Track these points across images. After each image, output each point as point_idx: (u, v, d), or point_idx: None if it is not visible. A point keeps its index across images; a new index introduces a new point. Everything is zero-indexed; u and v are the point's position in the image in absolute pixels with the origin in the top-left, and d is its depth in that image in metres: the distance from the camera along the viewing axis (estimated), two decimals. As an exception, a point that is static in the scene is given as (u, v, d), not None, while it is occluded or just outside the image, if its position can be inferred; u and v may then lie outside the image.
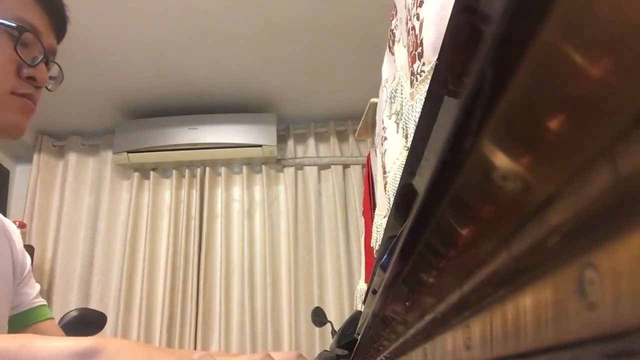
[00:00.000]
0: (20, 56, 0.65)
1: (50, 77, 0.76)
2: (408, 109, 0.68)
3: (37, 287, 0.84)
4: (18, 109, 0.67)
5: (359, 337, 0.88)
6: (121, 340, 0.41)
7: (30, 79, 0.67)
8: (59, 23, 0.73)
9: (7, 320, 0.74)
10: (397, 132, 0.77)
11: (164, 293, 2.34)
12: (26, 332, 0.76)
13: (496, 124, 0.18)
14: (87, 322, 1.32)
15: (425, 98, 0.30)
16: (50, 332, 0.79)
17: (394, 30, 0.84)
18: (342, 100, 2.47)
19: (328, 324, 1.57)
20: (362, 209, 1.87)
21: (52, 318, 0.83)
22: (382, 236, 0.71)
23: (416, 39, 0.61)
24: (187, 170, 2.55)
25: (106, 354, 0.37)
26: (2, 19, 0.64)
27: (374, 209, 1.21)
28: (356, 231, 2.42)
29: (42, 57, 0.68)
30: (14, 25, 0.64)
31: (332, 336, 1.43)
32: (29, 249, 2.31)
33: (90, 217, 2.51)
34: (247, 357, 0.40)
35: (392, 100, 0.80)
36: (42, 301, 0.82)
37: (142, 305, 2.31)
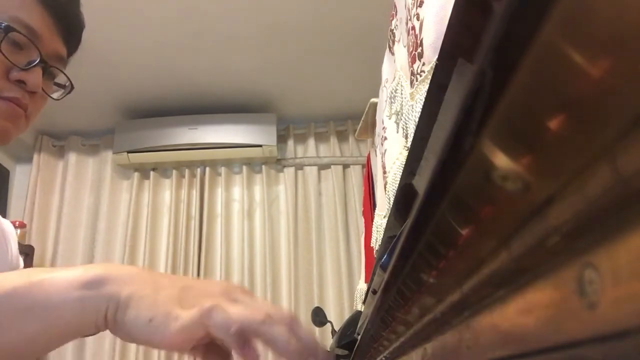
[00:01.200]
0: (6, 56, 0.61)
1: (58, 84, 0.72)
2: (408, 109, 0.68)
3: None
4: (2, 113, 0.63)
5: (359, 337, 0.88)
6: (128, 267, 0.40)
7: (20, 82, 0.63)
8: (67, 27, 0.69)
9: None
10: (397, 132, 0.77)
11: (164, 293, 2.33)
12: None
13: (496, 124, 0.18)
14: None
15: (425, 98, 0.30)
16: None
17: (394, 30, 0.84)
18: (342, 100, 2.47)
19: (328, 324, 1.57)
20: (362, 209, 1.87)
21: None
22: (382, 236, 0.71)
23: (416, 39, 0.61)
24: (187, 170, 2.55)
25: (115, 281, 0.37)
26: None
27: (374, 209, 1.21)
28: (356, 231, 2.42)
29: (37, 60, 0.64)
30: (2, 24, 0.61)
31: (332, 336, 1.43)
32: (29, 248, 2.31)
33: (90, 217, 2.51)
34: (274, 311, 0.39)
35: (392, 100, 0.80)
36: None
37: (142, 305, 2.31)
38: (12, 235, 0.83)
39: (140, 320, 0.36)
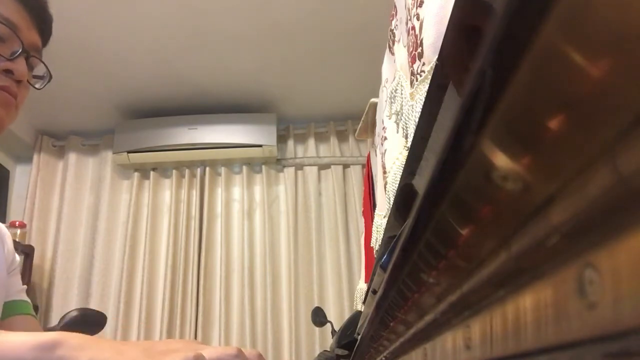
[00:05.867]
0: None
1: (36, 76, 0.76)
2: (408, 109, 0.68)
3: (23, 286, 0.83)
4: None
5: (359, 337, 0.88)
6: (82, 335, 0.41)
7: (8, 72, 0.68)
8: (41, 21, 0.73)
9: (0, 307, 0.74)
10: (397, 132, 0.77)
11: (164, 293, 2.34)
12: (2, 324, 0.75)
13: (496, 123, 0.18)
14: (87, 322, 1.32)
15: (425, 98, 0.30)
16: (27, 327, 0.78)
17: (394, 30, 0.84)
18: (342, 100, 2.47)
19: (328, 324, 1.57)
20: (362, 209, 1.87)
21: (34, 315, 0.82)
22: (382, 236, 0.71)
23: (416, 39, 0.61)
24: (187, 170, 2.55)
25: (68, 346, 0.38)
26: None
27: (374, 209, 1.21)
28: (356, 231, 2.42)
29: (20, 50, 0.68)
30: None
31: (332, 336, 1.43)
32: (29, 248, 2.31)
33: (90, 217, 2.51)
34: (219, 350, 0.40)
35: (392, 100, 0.80)
36: (24, 297, 0.82)
37: (142, 305, 2.31)
38: (7, 235, 0.84)
39: None
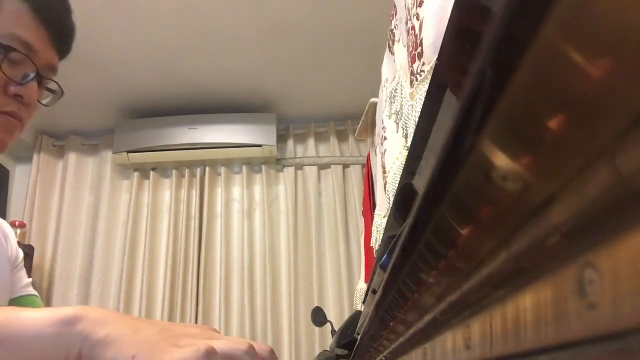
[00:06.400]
0: (5, 74, 0.63)
1: (47, 89, 0.74)
2: (408, 109, 0.68)
3: (29, 279, 0.84)
4: (0, 127, 0.65)
5: (359, 337, 0.88)
6: (102, 310, 0.41)
7: (18, 97, 0.65)
8: (61, 39, 0.71)
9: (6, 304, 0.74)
10: (397, 132, 0.77)
11: (164, 293, 2.34)
12: None
13: (496, 124, 0.18)
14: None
15: (425, 98, 0.30)
16: None
17: (394, 30, 0.84)
18: (342, 100, 2.47)
19: (328, 324, 1.57)
20: (362, 209, 1.87)
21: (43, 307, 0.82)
22: (382, 236, 0.71)
23: (416, 39, 0.61)
24: (187, 170, 2.55)
25: (89, 322, 0.38)
26: None
27: (374, 209, 1.21)
28: (356, 231, 2.42)
29: (33, 75, 0.66)
30: (1, 44, 0.62)
31: (332, 336, 1.43)
32: (29, 248, 2.31)
33: (90, 217, 2.51)
34: (232, 343, 0.40)
35: (392, 100, 0.80)
36: (32, 291, 0.82)
37: (142, 305, 2.31)
38: (11, 232, 0.84)
39: (122, 358, 0.36)
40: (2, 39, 0.63)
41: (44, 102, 0.74)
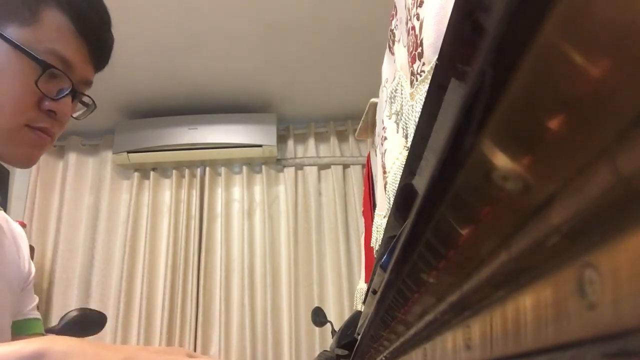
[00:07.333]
0: (40, 90, 0.62)
1: (82, 102, 0.73)
2: (408, 109, 0.68)
3: (35, 299, 0.82)
4: (30, 142, 0.64)
5: (359, 337, 0.88)
6: (68, 340, 0.41)
7: (51, 112, 0.64)
8: (99, 53, 0.70)
9: (10, 324, 0.73)
10: (397, 132, 0.77)
11: (164, 293, 2.33)
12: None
13: (496, 123, 0.18)
14: (87, 322, 1.32)
15: (425, 98, 0.30)
16: None
17: (394, 30, 0.84)
18: (342, 100, 2.47)
19: (328, 324, 1.57)
20: (362, 209, 1.87)
21: (43, 334, 0.80)
22: (382, 236, 0.71)
23: (416, 39, 0.61)
24: (187, 170, 2.55)
25: (52, 355, 0.38)
26: (32, 50, 0.60)
27: (374, 209, 1.21)
28: (356, 231, 2.42)
29: (68, 91, 0.65)
30: (39, 59, 0.61)
31: (332, 336, 1.43)
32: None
33: (90, 217, 2.51)
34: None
35: (392, 100, 0.80)
36: (36, 314, 0.81)
37: (142, 305, 2.31)
38: (23, 238, 0.82)
39: None
40: (41, 54, 0.61)
41: (75, 115, 0.72)
